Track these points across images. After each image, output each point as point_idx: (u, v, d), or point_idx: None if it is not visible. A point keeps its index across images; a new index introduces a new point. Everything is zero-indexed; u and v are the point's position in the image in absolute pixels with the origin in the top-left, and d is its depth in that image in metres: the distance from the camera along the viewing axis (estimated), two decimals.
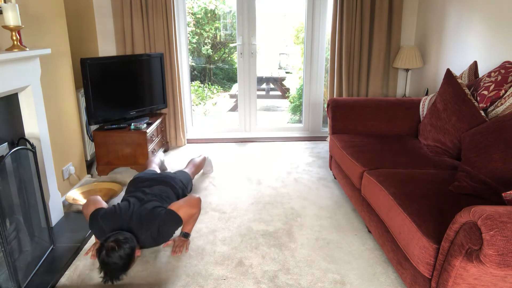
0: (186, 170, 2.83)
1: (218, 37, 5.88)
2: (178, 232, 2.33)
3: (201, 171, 3.29)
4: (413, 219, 1.67)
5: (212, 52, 5.94)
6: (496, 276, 1.32)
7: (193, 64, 5.85)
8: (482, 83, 2.33)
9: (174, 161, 3.65)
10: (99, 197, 2.23)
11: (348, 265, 2.06)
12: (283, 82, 6.35)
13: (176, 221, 2.09)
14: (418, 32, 3.88)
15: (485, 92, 2.25)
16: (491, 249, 1.21)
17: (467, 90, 2.33)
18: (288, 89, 6.29)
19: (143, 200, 2.20)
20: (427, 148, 2.56)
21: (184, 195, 2.51)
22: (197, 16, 5.64)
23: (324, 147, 4.03)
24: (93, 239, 2.32)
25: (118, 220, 2.04)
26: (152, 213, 2.09)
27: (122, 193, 2.95)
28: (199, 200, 2.21)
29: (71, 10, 3.25)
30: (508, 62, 2.32)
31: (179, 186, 2.49)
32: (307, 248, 2.23)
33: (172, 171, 2.83)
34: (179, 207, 2.12)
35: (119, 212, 2.08)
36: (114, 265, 1.82)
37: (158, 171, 2.77)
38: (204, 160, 3.18)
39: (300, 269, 2.04)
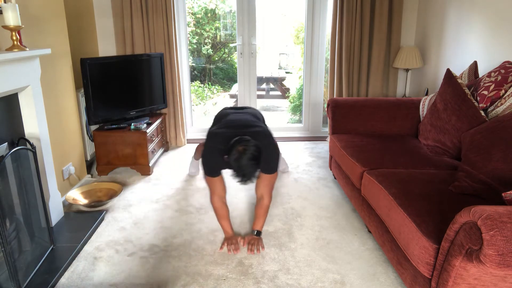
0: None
1: (218, 37, 5.87)
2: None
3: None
4: (413, 219, 1.67)
5: (212, 52, 5.94)
6: (496, 276, 1.32)
7: (193, 64, 5.85)
8: (482, 83, 2.33)
9: (174, 161, 3.65)
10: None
11: (348, 265, 2.06)
12: (283, 82, 6.35)
13: (277, 163, 2.19)
14: (418, 32, 3.88)
15: (485, 92, 2.25)
16: (491, 249, 1.21)
17: (467, 90, 2.33)
18: (288, 89, 6.29)
19: (242, 114, 2.34)
20: (427, 148, 2.56)
21: None
22: (197, 16, 5.63)
23: (324, 147, 4.03)
24: (95, 239, 2.32)
25: (223, 132, 2.16)
26: (267, 131, 2.20)
27: (122, 193, 2.95)
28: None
29: (71, 10, 3.25)
30: (508, 62, 2.32)
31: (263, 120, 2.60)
32: (307, 248, 2.23)
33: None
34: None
35: (222, 130, 2.19)
36: (249, 167, 1.93)
37: None
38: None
39: (300, 269, 2.04)
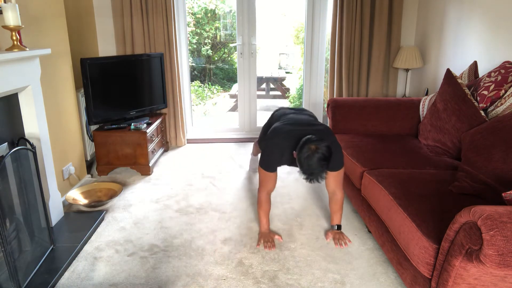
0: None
1: (218, 37, 5.88)
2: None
3: None
4: (413, 219, 1.67)
5: (212, 52, 5.94)
6: (496, 276, 1.32)
7: (193, 64, 5.85)
8: (482, 83, 2.33)
9: (174, 161, 3.65)
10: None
11: (348, 265, 2.06)
12: (283, 82, 6.35)
13: (343, 158, 2.21)
14: (418, 32, 3.88)
15: (485, 92, 2.25)
16: (491, 249, 1.21)
17: (467, 90, 2.33)
18: (288, 89, 6.29)
19: (303, 116, 2.35)
20: (427, 148, 2.56)
21: None
22: (197, 16, 5.64)
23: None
24: (95, 239, 2.32)
25: (289, 128, 2.16)
26: (329, 130, 2.21)
27: (122, 193, 2.95)
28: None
29: (71, 10, 3.25)
30: (508, 62, 2.32)
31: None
32: (307, 248, 2.23)
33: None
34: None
35: (287, 125, 2.20)
36: (319, 166, 1.93)
37: None
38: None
39: (300, 269, 2.04)
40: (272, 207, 2.71)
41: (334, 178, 2.23)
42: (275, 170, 2.22)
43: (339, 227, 2.34)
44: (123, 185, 3.12)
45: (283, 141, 2.13)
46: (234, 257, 2.14)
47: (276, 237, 2.29)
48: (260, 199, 2.28)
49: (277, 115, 2.51)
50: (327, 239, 2.31)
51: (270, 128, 2.27)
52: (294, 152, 2.08)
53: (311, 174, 1.97)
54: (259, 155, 3.11)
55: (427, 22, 3.69)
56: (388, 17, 3.75)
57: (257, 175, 3.28)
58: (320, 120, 4.32)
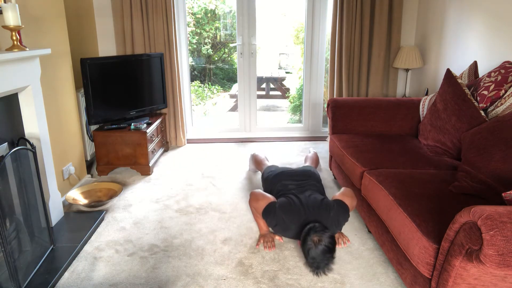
0: (312, 166, 2.84)
1: (218, 37, 5.88)
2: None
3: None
4: (413, 219, 1.67)
5: (212, 52, 5.94)
6: (496, 276, 1.32)
7: (193, 64, 5.85)
8: (482, 83, 2.33)
9: (174, 161, 3.65)
10: (262, 192, 2.30)
11: (348, 265, 2.06)
12: (283, 82, 6.35)
13: (346, 209, 2.17)
14: (418, 32, 3.88)
15: (485, 92, 2.25)
16: (491, 249, 1.21)
17: (467, 90, 2.32)
18: (288, 89, 6.29)
19: (307, 192, 2.27)
20: (427, 148, 2.56)
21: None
22: (197, 16, 5.64)
23: (324, 147, 4.03)
24: (95, 239, 2.32)
25: (296, 210, 2.12)
26: (323, 203, 2.16)
27: (122, 193, 2.95)
28: (353, 192, 2.29)
29: (71, 10, 3.25)
30: (508, 62, 2.32)
31: (320, 180, 2.55)
32: None
33: (298, 167, 2.77)
34: (343, 197, 2.21)
35: (294, 204, 2.15)
36: (325, 257, 1.90)
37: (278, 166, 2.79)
38: (316, 154, 3.19)
39: (300, 269, 2.04)
40: None
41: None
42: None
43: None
44: (123, 185, 3.12)
45: (289, 224, 2.11)
46: (234, 257, 2.14)
47: (277, 237, 2.29)
48: (253, 209, 2.29)
49: (273, 183, 2.46)
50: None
51: (278, 200, 2.21)
52: (298, 241, 2.11)
53: (317, 267, 1.92)
54: (257, 157, 3.11)
55: (427, 22, 3.69)
56: (388, 17, 3.75)
57: (257, 176, 3.28)
58: (320, 120, 4.32)
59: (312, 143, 4.17)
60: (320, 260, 1.89)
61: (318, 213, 2.11)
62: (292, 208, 2.13)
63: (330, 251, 1.90)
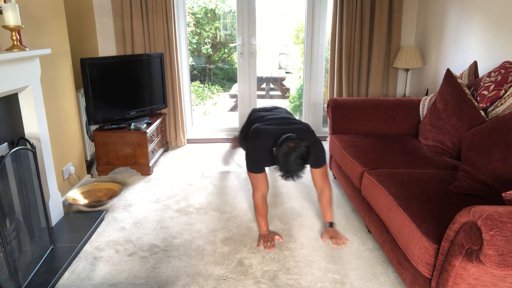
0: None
1: (218, 37, 5.88)
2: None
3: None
4: (413, 219, 1.67)
5: (212, 52, 5.95)
6: (496, 276, 1.32)
7: (193, 64, 5.85)
8: (482, 83, 2.33)
9: (174, 161, 3.65)
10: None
11: (348, 265, 2.06)
12: (283, 82, 6.35)
13: (325, 155, 2.24)
14: (418, 32, 3.88)
15: (485, 92, 2.25)
16: (491, 249, 1.21)
17: (467, 90, 2.32)
18: (288, 89, 6.29)
19: (281, 115, 2.35)
20: (427, 148, 2.56)
21: None
22: (197, 16, 5.64)
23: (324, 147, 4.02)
24: (95, 239, 2.32)
25: (273, 131, 2.17)
26: (308, 128, 2.24)
27: (122, 193, 2.95)
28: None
29: (71, 10, 3.25)
30: (508, 62, 2.32)
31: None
32: (307, 248, 2.23)
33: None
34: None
35: (269, 128, 2.21)
36: (296, 164, 1.95)
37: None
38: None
39: (300, 269, 2.04)
40: (272, 207, 2.71)
41: (319, 175, 2.26)
42: (263, 171, 2.22)
43: (331, 224, 2.34)
44: (123, 185, 3.12)
45: (265, 141, 2.15)
46: (234, 257, 2.14)
47: (277, 237, 2.29)
48: (255, 203, 2.28)
49: (255, 116, 2.52)
50: (323, 240, 2.30)
51: (251, 129, 2.28)
52: (274, 148, 2.10)
53: (287, 171, 2.00)
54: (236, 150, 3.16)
55: (427, 22, 3.69)
56: (388, 17, 3.75)
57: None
58: (320, 120, 4.32)
59: None
60: (291, 164, 1.95)
61: (293, 127, 2.18)
62: (264, 130, 2.19)
63: (302, 158, 1.97)
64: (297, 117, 2.58)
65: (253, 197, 2.29)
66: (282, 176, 2.04)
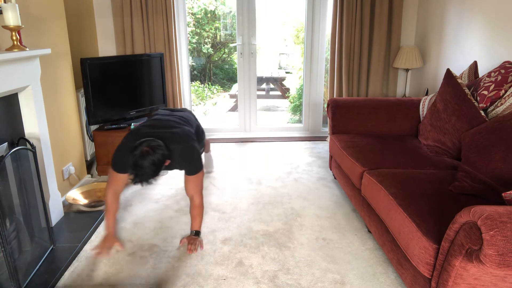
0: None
1: (218, 37, 5.88)
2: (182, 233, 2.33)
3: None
4: (413, 219, 1.67)
5: (212, 52, 5.95)
6: (496, 276, 1.32)
7: (193, 64, 5.85)
8: (482, 83, 2.33)
9: None
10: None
11: (348, 265, 2.06)
12: (283, 82, 6.35)
13: (199, 163, 2.16)
14: (418, 32, 3.88)
15: (485, 92, 2.25)
16: (491, 249, 1.21)
17: (467, 90, 2.33)
18: (288, 89, 6.29)
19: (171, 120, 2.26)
20: (427, 148, 2.56)
21: (199, 134, 2.54)
22: (197, 16, 5.64)
23: (324, 147, 4.03)
24: (95, 239, 2.32)
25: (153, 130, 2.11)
26: (186, 133, 2.16)
27: (122, 193, 2.95)
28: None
29: (71, 10, 3.25)
30: (508, 62, 2.32)
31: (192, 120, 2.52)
32: (307, 248, 2.23)
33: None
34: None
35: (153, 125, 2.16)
36: (146, 169, 1.88)
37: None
38: (209, 144, 3.16)
39: (300, 269, 2.04)
40: (272, 207, 2.71)
41: (190, 183, 2.18)
42: (125, 172, 2.12)
43: (197, 233, 2.25)
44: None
45: (130, 142, 2.06)
46: (234, 257, 2.14)
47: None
48: (106, 198, 2.16)
49: (152, 115, 2.45)
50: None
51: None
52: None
53: (136, 175, 1.91)
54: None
55: (427, 22, 3.69)
56: (388, 17, 3.75)
57: (257, 175, 3.28)
58: (320, 120, 4.32)
59: (312, 143, 4.17)
60: (142, 169, 1.89)
61: (168, 131, 2.12)
62: (135, 131, 2.12)
63: (155, 165, 1.90)
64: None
65: (105, 193, 2.17)
66: (132, 180, 1.94)
